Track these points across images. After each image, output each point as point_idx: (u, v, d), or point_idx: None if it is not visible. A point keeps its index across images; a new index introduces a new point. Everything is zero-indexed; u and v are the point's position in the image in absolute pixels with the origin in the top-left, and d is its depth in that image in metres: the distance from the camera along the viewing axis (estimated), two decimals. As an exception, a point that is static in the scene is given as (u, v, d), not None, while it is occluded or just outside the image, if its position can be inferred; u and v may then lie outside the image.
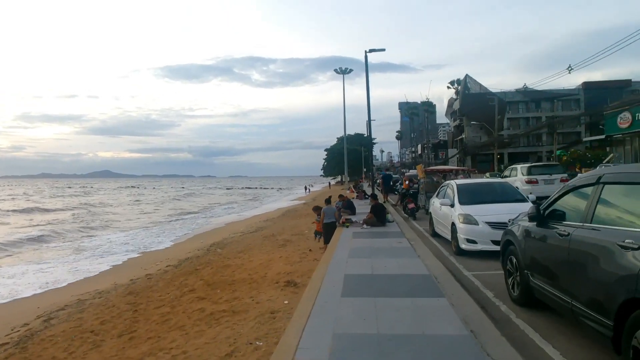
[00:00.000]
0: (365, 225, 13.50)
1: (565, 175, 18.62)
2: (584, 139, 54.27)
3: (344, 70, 48.46)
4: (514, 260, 5.83)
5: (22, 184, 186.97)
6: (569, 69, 41.29)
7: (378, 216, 13.61)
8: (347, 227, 13.63)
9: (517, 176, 18.72)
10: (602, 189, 4.08)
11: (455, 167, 18.78)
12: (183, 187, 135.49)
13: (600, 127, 53.13)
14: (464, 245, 9.12)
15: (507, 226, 8.84)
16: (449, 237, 10.30)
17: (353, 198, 30.05)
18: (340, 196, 17.90)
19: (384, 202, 21.77)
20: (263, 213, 38.84)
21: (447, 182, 12.05)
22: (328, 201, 13.64)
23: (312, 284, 6.60)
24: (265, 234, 20.79)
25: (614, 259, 3.51)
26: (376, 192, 24.32)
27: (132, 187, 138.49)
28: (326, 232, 13.03)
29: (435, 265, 7.65)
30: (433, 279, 6.60)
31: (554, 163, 32.26)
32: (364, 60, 25.37)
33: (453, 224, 9.69)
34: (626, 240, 3.40)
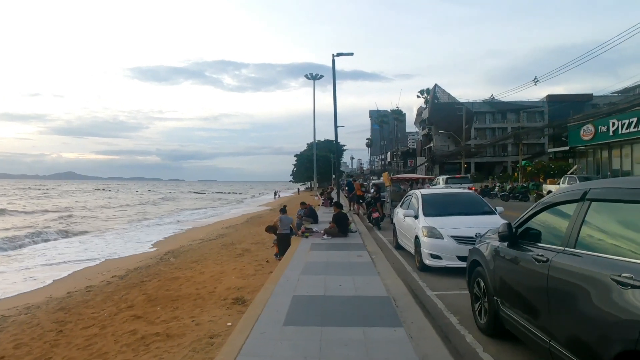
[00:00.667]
0: (325, 236, 12.71)
1: (472, 184, 21.85)
2: (549, 150, 55.19)
3: (314, 76, 47.98)
4: (482, 284, 5.12)
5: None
6: (535, 80, 42.26)
7: (340, 226, 12.85)
8: (307, 237, 12.81)
9: (439, 184, 19.88)
10: (588, 207, 3.38)
11: (422, 176, 18.25)
12: (150, 191, 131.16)
13: (563, 139, 54.13)
14: (427, 261, 8.42)
15: (474, 241, 8.23)
16: (412, 250, 9.60)
17: (319, 205, 29.30)
18: (302, 203, 17.07)
19: (350, 210, 21.07)
20: (227, 219, 37.63)
21: (412, 191, 11.38)
22: (283, 210, 12.78)
23: (253, 307, 5.75)
24: (225, 242, 19.79)
25: (607, 297, 2.80)
26: (344, 200, 23.63)
27: (101, 189, 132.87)
28: (281, 244, 12.18)
29: (396, 285, 6.90)
30: (392, 303, 5.84)
31: (465, 175, 41.95)
32: (336, 68, 24.80)
33: (417, 238, 8.99)
34: (623, 274, 2.68)
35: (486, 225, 8.54)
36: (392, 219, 15.78)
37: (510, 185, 36.05)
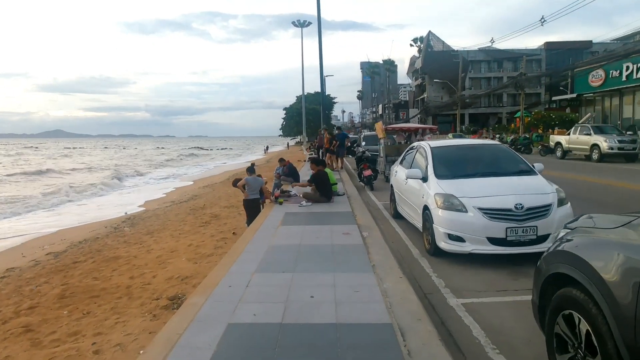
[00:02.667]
0: (304, 202, 10.07)
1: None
2: (555, 99, 52.40)
3: (302, 23, 44.38)
4: (584, 328, 2.52)
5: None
6: (542, 20, 39.33)
7: (321, 189, 10.20)
8: (281, 203, 10.17)
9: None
10: None
11: (422, 125, 15.44)
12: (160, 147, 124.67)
13: (561, 88, 51.36)
14: (443, 244, 5.83)
15: (513, 215, 5.66)
16: (418, 224, 7.01)
17: (305, 161, 26.56)
18: (281, 160, 14.36)
19: (338, 168, 18.42)
20: (208, 176, 34.91)
21: (417, 143, 8.65)
22: (251, 170, 10.04)
23: (155, 349, 3.14)
24: (195, 205, 17.20)
25: None
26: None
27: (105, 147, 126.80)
28: (248, 212, 9.59)
29: (401, 293, 4.31)
30: (398, 342, 3.25)
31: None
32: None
33: (426, 208, 6.37)
34: None
35: (528, 190, 5.94)
36: (387, 178, 13.17)
37: (512, 137, 33.43)
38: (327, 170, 11.14)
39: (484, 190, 5.91)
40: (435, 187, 6.32)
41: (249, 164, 10.42)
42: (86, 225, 16.21)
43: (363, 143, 16.97)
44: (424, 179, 6.81)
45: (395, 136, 15.28)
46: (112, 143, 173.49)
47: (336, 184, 11.26)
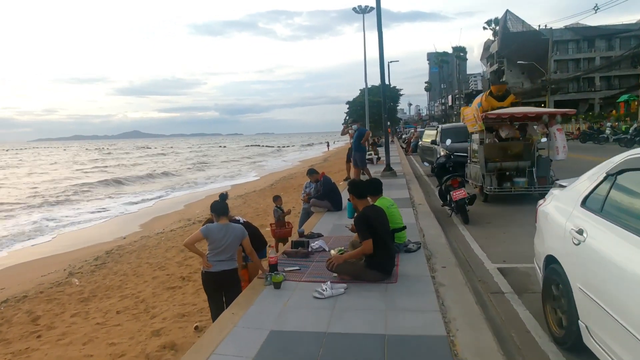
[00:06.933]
0: (336, 283, 4.56)
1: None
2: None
3: (363, 9, 39.82)
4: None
5: (69, 147, 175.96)
6: (595, 8, 35.48)
7: (378, 246, 4.62)
8: (279, 284, 4.68)
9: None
10: None
11: (548, 110, 9.36)
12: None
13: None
14: None
15: None
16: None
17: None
18: (311, 172, 8.96)
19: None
20: (252, 180, 30.19)
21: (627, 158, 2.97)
22: (219, 209, 4.69)
23: None
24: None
25: None
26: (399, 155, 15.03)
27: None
28: (211, 296, 4.48)
29: None
30: None
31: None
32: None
33: None
34: None
35: None
36: (485, 196, 7.49)
37: (635, 126, 25.92)
38: (384, 201, 5.61)
39: None
40: None
41: (223, 193, 5.07)
42: (43, 260, 11.55)
43: (446, 141, 11.03)
44: None
45: (502, 130, 9.40)
46: (167, 144, 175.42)
47: (404, 228, 5.67)
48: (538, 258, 3.89)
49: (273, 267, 4.70)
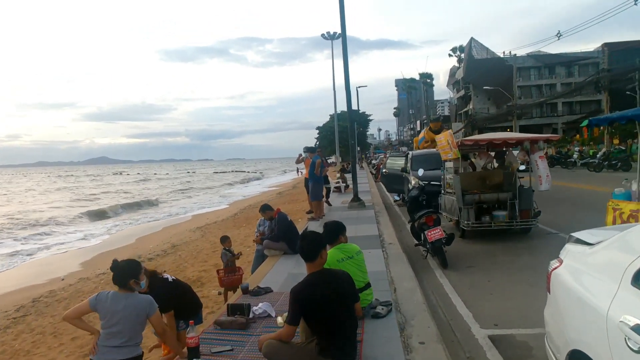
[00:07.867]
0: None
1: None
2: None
3: (332, 36, 39.66)
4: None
5: (30, 173, 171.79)
6: (558, 35, 36.46)
7: (322, 332, 3.42)
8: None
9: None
10: None
11: (531, 136, 8.33)
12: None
13: (628, 92, 43.55)
14: None
15: None
16: None
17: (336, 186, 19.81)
18: (265, 208, 7.76)
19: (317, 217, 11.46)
20: (217, 209, 28.61)
21: None
22: (116, 278, 3.45)
23: None
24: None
25: None
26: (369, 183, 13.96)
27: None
28: None
29: None
30: None
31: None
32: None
33: None
34: None
35: None
36: (463, 232, 6.48)
37: (603, 151, 25.80)
38: (337, 253, 4.43)
39: None
40: None
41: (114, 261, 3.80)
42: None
43: (418, 170, 9.90)
44: None
45: (475, 155, 8.46)
46: (136, 169, 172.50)
47: (368, 285, 4.51)
48: (554, 345, 2.79)
49: (193, 352, 3.44)
